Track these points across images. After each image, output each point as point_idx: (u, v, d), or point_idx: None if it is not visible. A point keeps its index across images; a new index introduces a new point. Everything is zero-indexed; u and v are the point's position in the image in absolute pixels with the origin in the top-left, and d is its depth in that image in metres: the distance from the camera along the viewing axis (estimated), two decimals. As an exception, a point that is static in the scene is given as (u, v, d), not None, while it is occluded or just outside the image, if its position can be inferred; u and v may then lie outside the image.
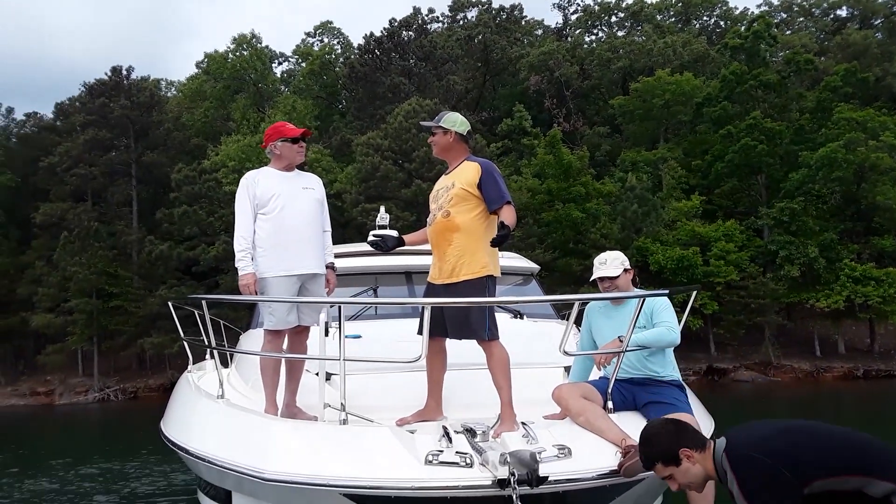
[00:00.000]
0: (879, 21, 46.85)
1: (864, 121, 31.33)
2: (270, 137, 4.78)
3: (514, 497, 2.95)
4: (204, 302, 4.30)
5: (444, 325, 4.21)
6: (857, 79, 34.40)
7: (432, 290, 4.37)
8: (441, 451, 3.19)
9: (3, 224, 39.79)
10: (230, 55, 44.11)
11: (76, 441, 18.49)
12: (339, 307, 3.70)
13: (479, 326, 4.09)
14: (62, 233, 34.64)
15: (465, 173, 4.32)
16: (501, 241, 3.99)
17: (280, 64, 50.33)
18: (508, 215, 4.17)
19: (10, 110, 46.63)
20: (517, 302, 5.58)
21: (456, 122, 4.43)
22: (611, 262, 4.41)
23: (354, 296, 6.03)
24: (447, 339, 4.32)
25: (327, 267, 4.89)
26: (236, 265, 4.54)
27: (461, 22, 48.41)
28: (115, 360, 35.83)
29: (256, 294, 4.52)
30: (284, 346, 4.71)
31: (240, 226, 4.59)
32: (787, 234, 30.28)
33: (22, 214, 38.72)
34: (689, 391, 4.44)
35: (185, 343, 5.62)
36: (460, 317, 4.12)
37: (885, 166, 30.17)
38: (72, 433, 21.32)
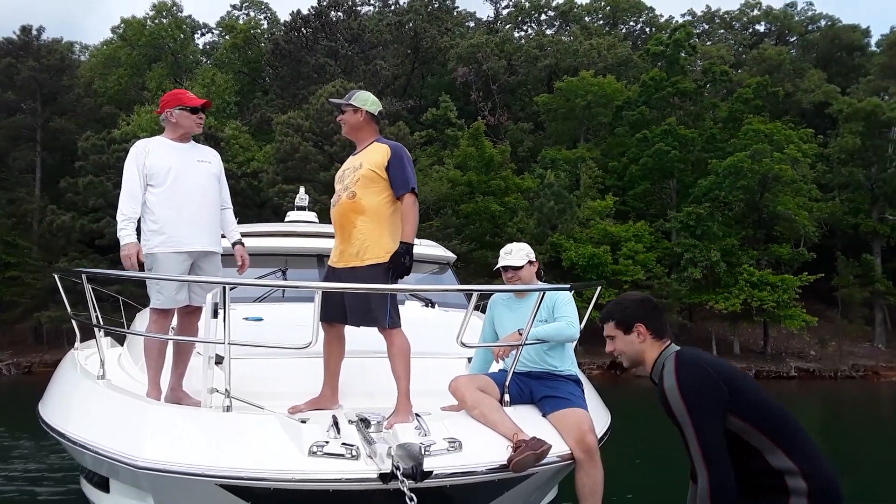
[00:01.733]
0: (794, 38, 49.13)
1: (771, 133, 32.75)
2: (167, 104, 4.50)
3: (403, 491, 2.89)
4: (84, 276, 4.03)
5: (343, 311, 4.07)
6: (768, 92, 35.97)
7: (333, 273, 4.21)
8: (327, 442, 3.08)
9: None
10: (148, 22, 42.41)
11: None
12: (224, 287, 3.50)
13: (380, 314, 3.96)
14: (-44, 197, 32.74)
15: (373, 155, 4.17)
16: (401, 270, 3.94)
17: (203, 35, 48.91)
18: (410, 212, 4.08)
19: None
20: (414, 290, 5.45)
21: (367, 100, 4.28)
22: (515, 253, 4.35)
23: (262, 277, 5.78)
24: (346, 326, 4.17)
25: (235, 244, 4.70)
26: (118, 235, 4.29)
27: (392, 7, 48.13)
28: (10, 333, 34.10)
29: (139, 266, 4.25)
30: (173, 325, 4.47)
31: (125, 196, 4.33)
32: (693, 237, 31.43)
33: (-88, 176, 36.33)
34: (587, 385, 4.42)
35: (73, 319, 5.33)
36: (361, 303, 3.98)
37: (787, 178, 31.64)
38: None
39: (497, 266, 4.39)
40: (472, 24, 51.05)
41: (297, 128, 30.88)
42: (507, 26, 49.24)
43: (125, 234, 4.27)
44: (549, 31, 48.35)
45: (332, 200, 4.32)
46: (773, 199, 32.56)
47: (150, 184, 4.35)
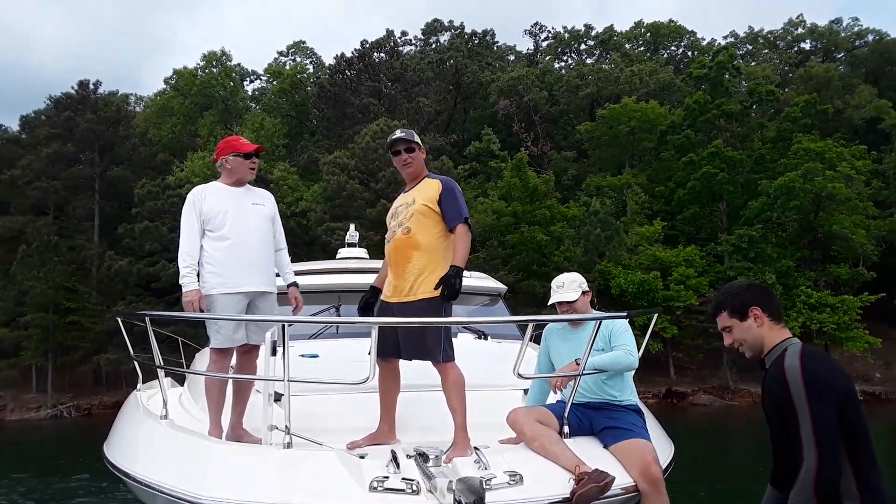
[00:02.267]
0: (841, 55, 48.20)
1: (822, 151, 32.02)
2: (222, 151, 4.63)
3: None
4: (147, 318, 4.14)
5: (398, 346, 4.10)
6: (817, 110, 35.23)
7: (386, 309, 4.24)
8: (387, 478, 3.09)
9: (-40, 236, 39.01)
10: (199, 72, 43.97)
11: (23, 458, 18.06)
12: (283, 326, 3.55)
13: (434, 347, 3.97)
14: (20, 246, 34.05)
15: (426, 190, 4.25)
16: (451, 292, 3.96)
17: (252, 82, 50.42)
18: (462, 241, 4.12)
19: (-26, 122, 45.82)
20: (468, 323, 5.41)
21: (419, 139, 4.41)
22: (568, 286, 4.27)
23: (316, 314, 5.86)
24: (401, 361, 4.19)
25: (290, 285, 4.76)
26: (180, 282, 4.39)
27: (433, 45, 48.93)
28: (70, 377, 35.05)
29: (202, 311, 4.36)
30: (233, 364, 4.54)
31: (184, 242, 4.44)
32: (746, 260, 30.73)
33: (-20, 227, 38.01)
34: (648, 415, 4.33)
35: (135, 361, 5.42)
36: (414, 337, 4.00)
37: (842, 196, 30.81)
38: (20, 449, 20.81)
39: (551, 301, 4.31)
40: (512, 57, 51.53)
41: (344, 167, 31.45)
42: (548, 58, 49.55)
43: (187, 282, 4.37)
44: (589, 60, 48.47)
45: (386, 237, 4.37)
46: (828, 219, 31.73)
47: (208, 228, 4.45)
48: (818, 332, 29.54)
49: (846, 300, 29.61)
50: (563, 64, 49.54)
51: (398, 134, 4.43)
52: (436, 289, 4.05)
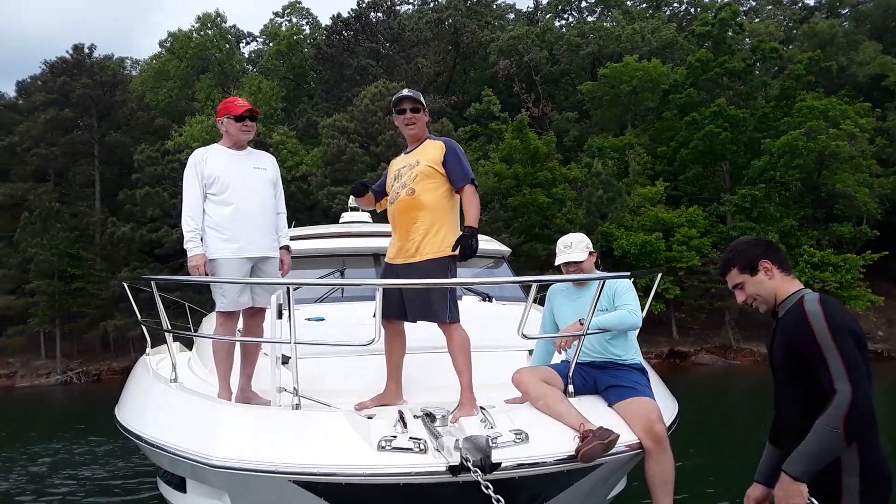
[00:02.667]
0: (846, 10, 47.40)
1: (826, 109, 31.69)
2: (219, 113, 4.64)
3: (471, 483, 2.90)
4: (154, 283, 4.18)
5: (403, 308, 4.14)
6: (821, 67, 34.79)
7: (390, 270, 4.26)
8: (395, 437, 3.13)
9: (-39, 204, 39.01)
10: (194, 34, 43.35)
11: (35, 423, 18.30)
12: (288, 289, 3.57)
13: (440, 308, 4.02)
14: (23, 213, 34.07)
15: (428, 151, 4.26)
16: (468, 252, 3.98)
17: (248, 44, 49.73)
18: (472, 201, 4.16)
19: (-30, 88, 45.44)
20: (472, 283, 5.47)
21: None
22: (576, 246, 4.28)
23: (321, 278, 5.92)
24: (406, 322, 4.23)
25: (282, 248, 4.77)
26: (185, 246, 4.42)
27: (431, 4, 48.13)
28: (78, 343, 35.43)
29: (207, 275, 4.41)
30: (240, 327, 4.60)
31: (187, 205, 4.47)
32: (749, 220, 30.67)
33: (-19, 194, 37.98)
34: (652, 374, 4.38)
35: (143, 326, 5.50)
36: (420, 298, 4.04)
37: (845, 154, 30.59)
38: (31, 415, 21.09)
39: (558, 262, 4.31)
40: (512, 16, 50.74)
41: (343, 130, 31.24)
42: (548, 16, 48.79)
43: (192, 246, 4.40)
44: (590, 18, 47.72)
45: (388, 199, 4.38)
46: (832, 177, 31.52)
47: (210, 192, 4.47)
48: (821, 291, 29.56)
49: (849, 259, 29.60)
50: (563, 22, 48.80)
51: (405, 92, 4.42)
52: (453, 250, 4.08)
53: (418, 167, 4.21)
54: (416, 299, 4.06)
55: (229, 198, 4.43)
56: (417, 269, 4.09)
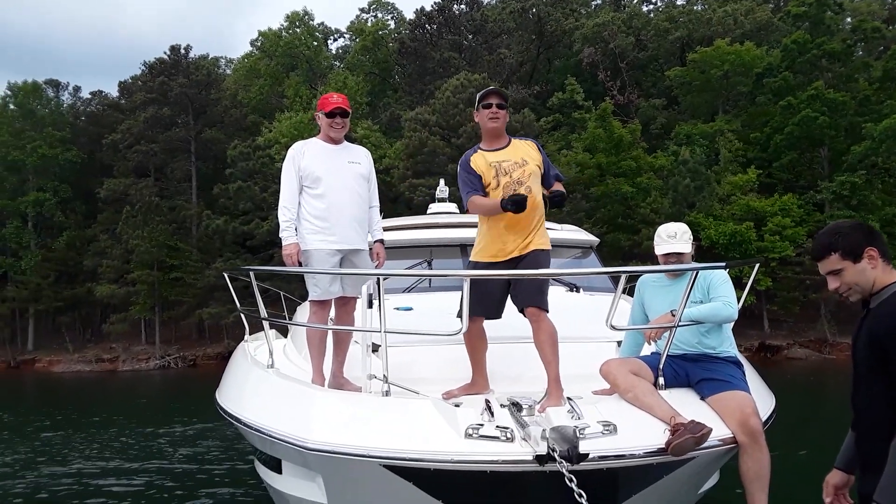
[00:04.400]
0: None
1: (934, 90, 29.78)
2: (317, 108, 4.83)
3: (558, 473, 2.90)
4: (252, 273, 4.34)
5: (493, 306, 4.26)
6: (928, 46, 32.66)
7: (487, 268, 4.30)
8: (482, 425, 3.14)
9: (70, 199, 41.72)
10: (283, 33, 44.60)
11: (140, 404, 19.43)
12: (379, 279, 3.66)
13: (545, 295, 4.15)
14: (125, 207, 36.06)
15: (529, 151, 4.38)
16: (561, 201, 4.32)
17: (335, 41, 50.75)
18: (560, 186, 4.47)
19: (76, 89, 48.36)
20: (562, 274, 5.43)
21: None
22: (680, 237, 4.14)
23: (409, 268, 6.03)
24: (484, 320, 4.32)
25: (376, 242, 4.90)
26: (280, 235, 4.60)
27: (515, -6, 47.73)
28: (176, 330, 37.35)
29: (299, 264, 4.56)
30: (332, 316, 4.75)
31: (284, 196, 4.63)
32: (848, 208, 29.12)
33: (88, 189, 40.48)
34: (748, 368, 4.24)
35: (242, 314, 5.66)
36: (533, 283, 4.13)
37: (955, 138, 28.66)
38: (135, 397, 22.35)
39: (662, 251, 4.18)
40: (598, 2, 49.73)
41: (425, 123, 31.51)
42: (634, 1, 47.59)
43: (287, 235, 4.57)
44: (679, 2, 46.24)
45: (501, 196, 4.26)
46: (939, 163, 29.62)
47: (305, 185, 4.62)
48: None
49: (959, 249, 27.75)
50: (651, 7, 47.50)
51: (491, 88, 4.50)
52: (551, 199, 4.38)
53: (528, 166, 4.29)
54: (527, 284, 4.14)
55: (323, 191, 4.57)
56: (531, 258, 4.25)
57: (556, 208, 4.25)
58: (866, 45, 35.27)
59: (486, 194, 4.32)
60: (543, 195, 4.42)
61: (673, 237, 4.15)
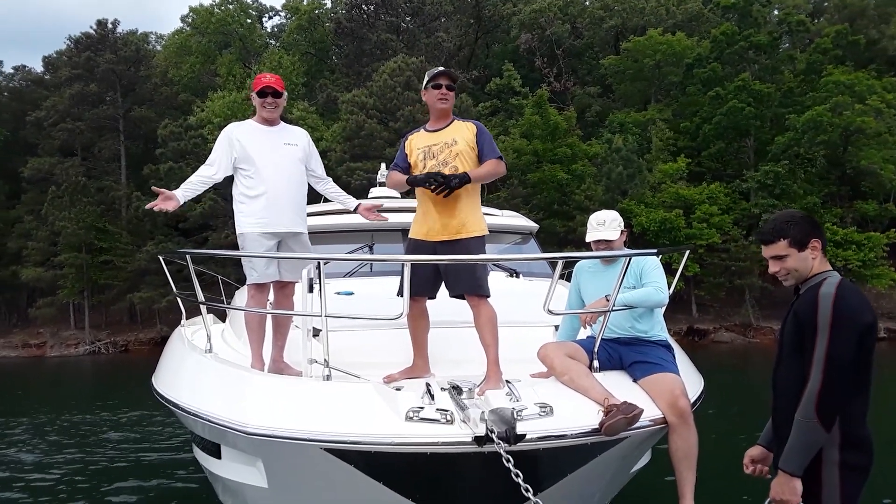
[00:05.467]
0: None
1: (853, 84, 31.20)
2: (252, 88, 4.75)
3: (498, 453, 2.96)
4: (188, 257, 4.29)
5: (431, 285, 4.28)
6: (849, 41, 34.17)
7: (421, 248, 4.33)
8: (422, 408, 3.18)
9: (-9, 178, 39.81)
10: (216, 9, 43.38)
11: (69, 392, 18.84)
12: (319, 263, 3.64)
13: (484, 282, 4.17)
14: (50, 187, 34.68)
15: (462, 131, 4.35)
16: (443, 183, 4.07)
17: (270, 18, 49.65)
18: (491, 165, 4.28)
19: (-2, 63, 46.05)
20: (501, 259, 5.51)
21: None
22: (609, 224, 4.28)
23: (350, 252, 6.01)
24: (429, 299, 4.35)
25: (358, 207, 5.00)
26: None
27: (454, -23, 47.57)
28: (106, 314, 36.20)
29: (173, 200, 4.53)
30: (270, 300, 4.72)
31: (201, 168, 4.65)
32: (772, 197, 30.37)
33: (11, 169, 38.67)
34: (678, 350, 4.39)
35: (178, 298, 5.59)
36: (467, 272, 4.14)
37: (871, 130, 30.17)
38: (64, 384, 21.68)
39: (591, 238, 4.32)
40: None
41: (362, 105, 31.27)
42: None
43: (177, 192, 4.58)
44: (614, -9, 46.95)
45: (417, 172, 4.39)
46: (857, 154, 31.12)
47: (239, 167, 4.59)
48: (843, 269, 29.43)
49: (872, 237, 29.31)
50: (587, -5, 48.09)
51: (442, 68, 4.50)
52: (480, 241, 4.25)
53: (457, 146, 4.30)
54: (462, 273, 4.16)
55: (257, 173, 4.55)
56: (467, 245, 4.22)
57: (447, 188, 4.11)
58: (792, 37, 36.68)
59: (409, 173, 4.42)
60: (446, 175, 4.23)
61: (602, 225, 4.27)
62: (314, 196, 5.12)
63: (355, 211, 5.05)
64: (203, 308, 4.59)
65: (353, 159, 29.77)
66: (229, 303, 6.71)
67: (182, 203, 4.66)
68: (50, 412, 12.84)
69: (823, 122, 29.60)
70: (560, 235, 28.91)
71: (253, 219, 4.54)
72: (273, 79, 4.75)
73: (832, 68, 32.84)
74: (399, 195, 8.31)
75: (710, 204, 30.77)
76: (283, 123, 4.81)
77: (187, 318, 6.11)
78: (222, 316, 6.41)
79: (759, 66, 34.32)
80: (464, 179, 4.17)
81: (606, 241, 4.25)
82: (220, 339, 5.34)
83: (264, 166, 4.55)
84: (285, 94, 4.82)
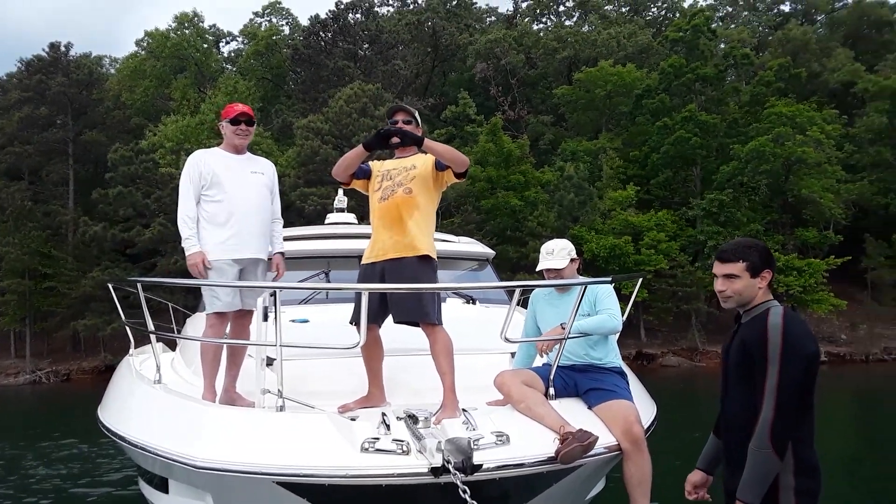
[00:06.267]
0: (821, 17, 48.28)
1: (794, 115, 32.45)
2: (221, 116, 4.76)
3: (454, 484, 2.91)
4: (139, 285, 4.15)
5: (379, 313, 4.19)
6: (790, 74, 35.56)
7: (372, 269, 4.29)
8: (378, 439, 3.13)
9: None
10: (171, 34, 43.09)
11: (7, 423, 18.19)
12: (275, 292, 3.58)
13: (431, 309, 4.08)
14: (-6, 212, 33.73)
15: (423, 160, 4.38)
16: (391, 135, 4.10)
17: (227, 43, 49.52)
18: (451, 150, 4.31)
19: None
20: (457, 288, 5.46)
21: None
22: (557, 253, 4.33)
23: (305, 279, 5.90)
24: (385, 325, 4.28)
25: (276, 253, 4.83)
26: (183, 245, 4.49)
27: (411, 6, 48.27)
28: (49, 342, 35.00)
29: (206, 275, 4.42)
30: (228, 330, 4.61)
31: (182, 206, 4.53)
32: (717, 224, 31.28)
33: (-47, 192, 37.45)
34: (632, 377, 4.43)
35: (127, 327, 5.40)
36: (411, 299, 4.06)
37: (811, 160, 31.34)
38: (3, 414, 20.94)
39: (539, 267, 4.39)
40: (492, 19, 51.03)
41: (317, 131, 31.29)
42: (527, 19, 49.14)
43: (189, 245, 4.48)
44: (568, 23, 48.18)
45: (379, 196, 4.42)
46: (798, 183, 32.26)
47: (205, 192, 4.56)
48: (784, 294, 30.34)
49: (812, 263, 30.31)
50: (541, 26, 49.23)
51: (399, 104, 4.64)
52: (430, 261, 4.25)
53: (415, 170, 4.35)
54: (406, 300, 4.08)
55: (224, 198, 4.53)
56: (407, 265, 4.16)
57: (403, 139, 4.16)
58: (737, 70, 37.98)
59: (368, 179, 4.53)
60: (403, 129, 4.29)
61: (550, 254, 4.34)
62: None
63: (269, 259, 4.95)
64: (152, 337, 4.47)
65: (307, 185, 29.69)
66: (179, 331, 6.59)
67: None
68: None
69: (766, 152, 30.67)
70: (513, 261, 29.20)
71: (218, 246, 4.51)
72: (246, 108, 4.81)
73: (775, 100, 34.09)
74: (356, 221, 8.30)
75: (657, 231, 31.50)
76: (249, 153, 4.84)
77: (136, 347, 5.97)
78: (171, 345, 6.28)
79: (705, 98, 35.48)
80: (417, 140, 4.22)
81: (555, 269, 4.31)
82: (170, 368, 5.24)
83: (231, 192, 4.55)
84: (255, 121, 4.86)
